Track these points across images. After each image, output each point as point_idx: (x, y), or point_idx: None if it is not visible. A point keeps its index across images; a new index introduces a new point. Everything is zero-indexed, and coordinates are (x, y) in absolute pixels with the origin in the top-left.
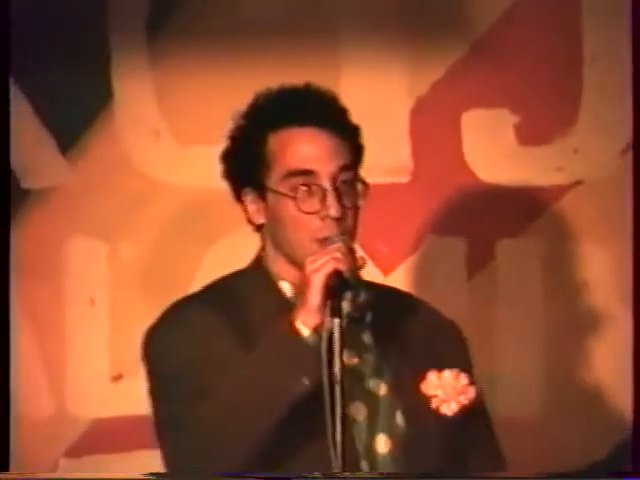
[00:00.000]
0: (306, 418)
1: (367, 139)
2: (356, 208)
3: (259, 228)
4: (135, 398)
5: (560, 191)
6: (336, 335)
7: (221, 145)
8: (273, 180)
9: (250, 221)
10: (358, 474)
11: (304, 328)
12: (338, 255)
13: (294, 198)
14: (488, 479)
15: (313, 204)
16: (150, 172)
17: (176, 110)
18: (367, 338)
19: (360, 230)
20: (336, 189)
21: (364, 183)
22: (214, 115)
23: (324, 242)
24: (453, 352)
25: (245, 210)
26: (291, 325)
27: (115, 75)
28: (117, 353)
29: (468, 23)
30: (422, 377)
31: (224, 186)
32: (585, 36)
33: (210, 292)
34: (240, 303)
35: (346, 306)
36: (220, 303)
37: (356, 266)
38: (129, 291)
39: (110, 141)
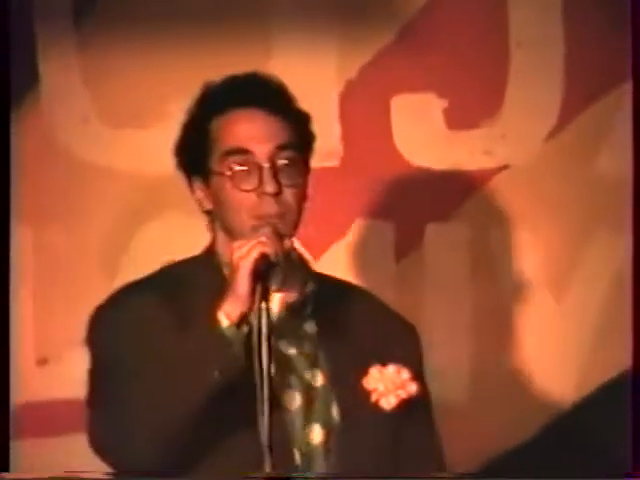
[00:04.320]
0: (236, 407)
1: None
2: (299, 189)
3: (209, 215)
4: (62, 382)
5: (488, 175)
6: (264, 320)
7: (151, 129)
8: (214, 162)
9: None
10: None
11: (224, 319)
12: (264, 239)
13: (231, 177)
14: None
15: (250, 182)
16: (79, 156)
17: (105, 94)
18: (310, 328)
19: None
20: (273, 167)
21: (305, 164)
22: (143, 98)
23: (263, 219)
24: (401, 349)
25: (196, 199)
26: (213, 315)
27: (41, 59)
28: (42, 337)
29: (396, 7)
30: (365, 371)
31: (153, 170)
32: (511, 20)
33: (159, 278)
34: (185, 289)
35: (293, 295)
36: (166, 289)
37: (284, 250)
38: (54, 275)
39: (37, 125)
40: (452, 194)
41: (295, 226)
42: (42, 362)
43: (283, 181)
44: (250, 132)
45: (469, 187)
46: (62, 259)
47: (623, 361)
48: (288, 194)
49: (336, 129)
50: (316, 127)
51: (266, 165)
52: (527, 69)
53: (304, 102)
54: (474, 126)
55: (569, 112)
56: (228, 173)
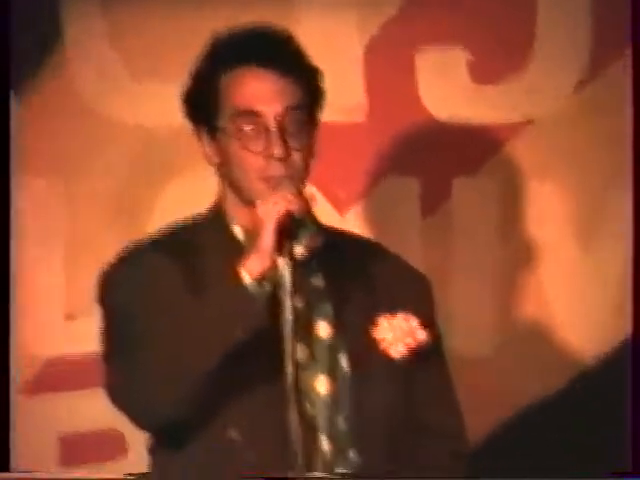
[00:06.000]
0: (255, 363)
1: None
2: (308, 149)
3: (217, 170)
4: (89, 337)
5: (514, 129)
6: (287, 277)
7: (174, 82)
8: (222, 120)
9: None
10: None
11: (247, 276)
12: (289, 196)
13: (239, 138)
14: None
15: (258, 143)
16: (103, 111)
17: (129, 46)
18: (317, 280)
19: (315, 170)
20: (281, 129)
21: (314, 123)
22: (167, 52)
23: (270, 181)
24: (412, 299)
25: (203, 152)
26: (235, 272)
27: (65, 13)
28: (72, 292)
29: None
30: (374, 322)
31: (178, 123)
32: None
33: (166, 236)
34: (194, 247)
35: (299, 248)
36: (174, 246)
37: (307, 207)
38: (84, 230)
39: (62, 80)
40: (478, 149)
41: (303, 185)
42: (71, 317)
43: (291, 144)
44: (259, 93)
45: (495, 141)
46: (91, 214)
47: None
48: (296, 156)
49: (361, 84)
50: (341, 83)
51: (274, 128)
52: (554, 23)
53: (328, 57)
54: (500, 80)
55: (596, 66)
56: (236, 133)
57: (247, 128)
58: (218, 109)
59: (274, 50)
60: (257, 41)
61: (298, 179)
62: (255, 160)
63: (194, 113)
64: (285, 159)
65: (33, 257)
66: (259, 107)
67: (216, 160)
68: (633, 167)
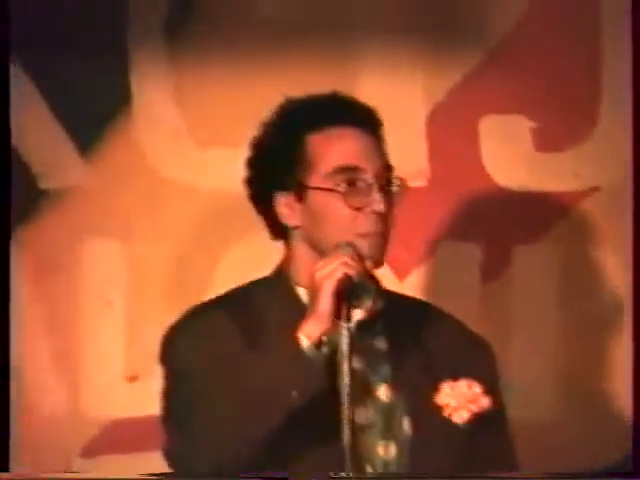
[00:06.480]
0: (311, 424)
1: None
2: (392, 211)
3: (282, 234)
4: (150, 399)
5: (577, 197)
6: (345, 341)
7: (237, 148)
8: (315, 179)
9: (274, 226)
10: (359, 476)
11: (305, 339)
12: (347, 260)
13: (340, 193)
14: (488, 479)
15: (358, 199)
16: (168, 174)
17: (195, 111)
18: (380, 343)
19: None
20: (381, 185)
21: (403, 184)
22: (233, 117)
23: (365, 237)
24: (473, 364)
25: (270, 216)
26: (293, 336)
27: (134, 75)
28: (133, 354)
29: (485, 29)
30: (437, 387)
31: (240, 189)
32: (603, 40)
33: (229, 298)
34: (257, 309)
35: (359, 311)
36: (237, 308)
37: (366, 271)
38: (146, 292)
39: (128, 142)
40: (540, 216)
41: (386, 248)
42: (133, 379)
43: (387, 200)
44: (359, 150)
45: (558, 209)
46: (152, 276)
47: None
48: (389, 214)
49: (423, 150)
50: (403, 148)
51: (375, 184)
52: (619, 89)
53: (391, 123)
54: (563, 148)
55: None
56: (340, 189)
57: (345, 185)
58: (308, 170)
59: (360, 112)
60: (338, 104)
61: (385, 239)
62: (352, 216)
63: (266, 178)
64: (386, 215)
65: (94, 319)
66: (361, 163)
67: (295, 222)
68: None
